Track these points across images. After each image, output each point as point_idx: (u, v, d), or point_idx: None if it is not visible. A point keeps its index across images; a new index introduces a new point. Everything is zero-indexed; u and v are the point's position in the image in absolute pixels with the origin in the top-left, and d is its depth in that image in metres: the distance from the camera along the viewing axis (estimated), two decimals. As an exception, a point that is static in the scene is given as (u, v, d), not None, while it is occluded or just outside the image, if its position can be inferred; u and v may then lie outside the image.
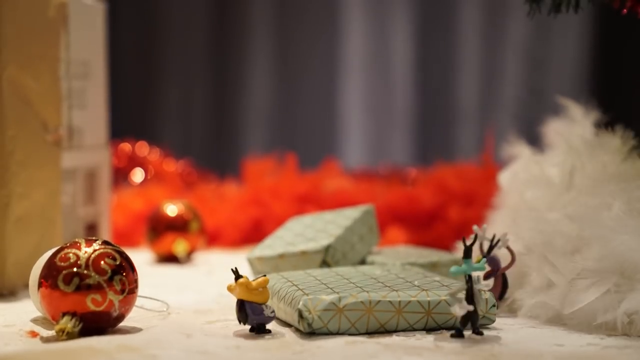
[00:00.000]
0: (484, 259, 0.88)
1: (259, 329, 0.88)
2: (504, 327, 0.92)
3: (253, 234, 1.56)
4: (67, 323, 0.83)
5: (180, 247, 1.38)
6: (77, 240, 0.88)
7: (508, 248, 0.94)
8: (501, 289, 0.98)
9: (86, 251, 0.86)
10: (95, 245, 0.86)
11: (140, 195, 1.68)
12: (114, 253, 0.86)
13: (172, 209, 1.41)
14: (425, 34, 2.46)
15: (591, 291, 0.90)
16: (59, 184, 1.19)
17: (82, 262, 0.85)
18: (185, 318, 0.96)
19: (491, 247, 0.90)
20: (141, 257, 1.41)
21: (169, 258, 1.40)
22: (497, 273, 0.97)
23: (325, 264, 1.09)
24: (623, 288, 0.89)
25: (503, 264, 0.97)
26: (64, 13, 1.22)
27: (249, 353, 0.81)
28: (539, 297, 0.94)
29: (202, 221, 1.43)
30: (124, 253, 0.88)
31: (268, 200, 1.61)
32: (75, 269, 0.84)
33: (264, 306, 0.87)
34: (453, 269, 0.84)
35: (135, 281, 0.88)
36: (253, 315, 0.87)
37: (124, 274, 0.86)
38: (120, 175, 1.81)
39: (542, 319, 0.94)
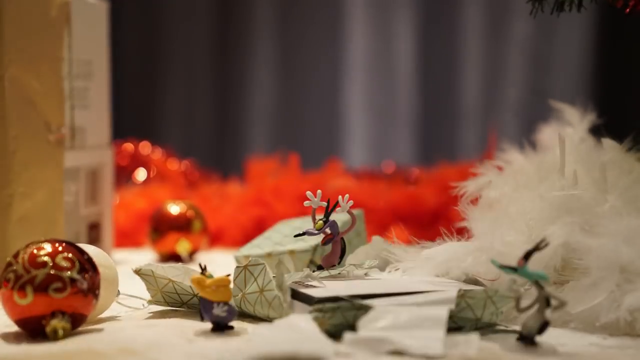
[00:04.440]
0: (325, 223, 0.94)
1: (215, 326, 0.88)
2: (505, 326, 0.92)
3: (256, 234, 1.55)
4: (57, 323, 0.83)
5: (182, 246, 1.38)
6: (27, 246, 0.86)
7: (349, 212, 0.96)
8: (340, 253, 0.98)
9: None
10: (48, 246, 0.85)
11: (143, 194, 1.68)
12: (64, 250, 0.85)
13: (174, 209, 1.41)
14: (428, 34, 2.46)
15: (594, 290, 0.89)
16: (62, 184, 1.19)
17: (19, 265, 0.84)
18: (186, 319, 0.96)
19: (330, 211, 0.94)
20: (144, 257, 1.41)
21: (172, 258, 1.40)
22: (336, 238, 0.98)
23: (312, 263, 1.09)
24: (624, 286, 0.89)
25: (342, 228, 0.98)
26: (66, 12, 1.22)
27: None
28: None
29: (205, 221, 1.43)
30: (74, 246, 0.86)
31: (271, 200, 1.61)
32: (25, 273, 0.83)
33: (215, 304, 0.86)
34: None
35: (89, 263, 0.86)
36: (203, 312, 0.87)
37: (82, 268, 0.85)
38: (123, 175, 1.81)
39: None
